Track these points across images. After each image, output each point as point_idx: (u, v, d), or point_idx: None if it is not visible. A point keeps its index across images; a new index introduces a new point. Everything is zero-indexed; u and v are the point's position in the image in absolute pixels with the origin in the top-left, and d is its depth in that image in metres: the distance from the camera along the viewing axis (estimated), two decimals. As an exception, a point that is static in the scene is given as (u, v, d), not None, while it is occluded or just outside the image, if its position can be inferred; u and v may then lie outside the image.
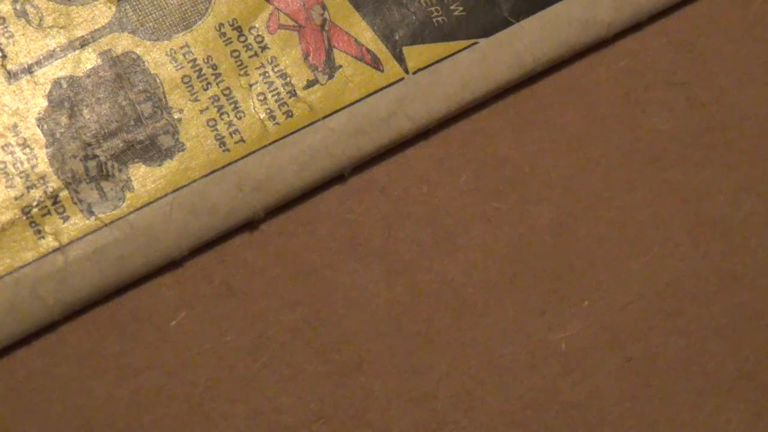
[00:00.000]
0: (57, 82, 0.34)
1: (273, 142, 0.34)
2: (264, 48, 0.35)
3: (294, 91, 0.35)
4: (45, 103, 0.34)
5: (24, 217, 0.33)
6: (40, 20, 0.34)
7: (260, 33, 0.35)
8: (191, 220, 0.34)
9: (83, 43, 0.34)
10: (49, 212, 0.33)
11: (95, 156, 0.34)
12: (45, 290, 0.33)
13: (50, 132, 0.34)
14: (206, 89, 0.34)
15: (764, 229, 0.36)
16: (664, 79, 0.36)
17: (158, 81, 0.34)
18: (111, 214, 0.33)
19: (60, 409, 0.33)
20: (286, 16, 0.35)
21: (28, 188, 0.33)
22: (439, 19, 0.35)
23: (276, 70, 0.35)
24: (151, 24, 0.35)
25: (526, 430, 0.34)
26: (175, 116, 0.34)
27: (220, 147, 0.34)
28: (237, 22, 0.35)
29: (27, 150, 0.34)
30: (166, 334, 0.34)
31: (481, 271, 0.35)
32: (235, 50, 0.35)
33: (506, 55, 0.36)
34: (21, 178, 0.33)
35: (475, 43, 0.35)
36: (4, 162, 0.33)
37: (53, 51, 0.34)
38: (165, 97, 0.34)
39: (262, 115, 0.34)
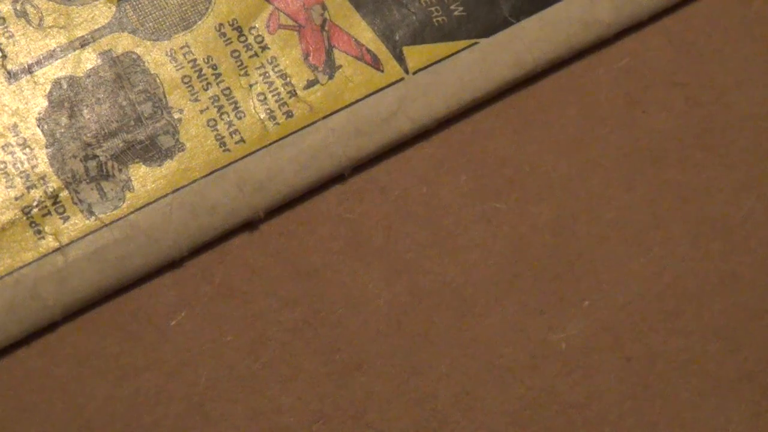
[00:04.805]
0: (57, 82, 0.34)
1: (273, 142, 0.34)
2: (264, 48, 0.35)
3: (294, 91, 0.35)
4: (45, 103, 0.34)
5: (24, 217, 0.33)
6: (40, 20, 0.34)
7: (260, 33, 0.35)
8: (191, 220, 0.34)
9: (83, 43, 0.34)
10: (49, 212, 0.33)
11: (95, 156, 0.34)
12: (45, 290, 0.33)
13: (50, 132, 0.34)
14: (206, 89, 0.34)
15: (764, 229, 0.36)
16: (664, 79, 0.36)
17: (158, 81, 0.34)
18: (111, 214, 0.33)
19: (60, 409, 0.33)
20: (286, 16, 0.35)
21: (28, 188, 0.33)
22: (439, 19, 0.35)
23: (276, 70, 0.35)
24: (151, 24, 0.35)
25: (526, 430, 0.34)
26: (175, 116, 0.34)
27: (221, 147, 0.34)
28: (237, 22, 0.35)
29: (27, 150, 0.34)
30: (166, 334, 0.34)
31: (481, 271, 0.35)
32: (235, 50, 0.35)
33: (506, 55, 0.36)
34: (21, 178, 0.33)
35: (475, 43, 0.35)
36: (4, 162, 0.33)
37: (53, 51, 0.34)
38: (165, 97, 0.34)
39: (262, 115, 0.34)
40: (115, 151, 0.34)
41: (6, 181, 0.33)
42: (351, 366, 0.34)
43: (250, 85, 0.35)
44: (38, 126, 0.34)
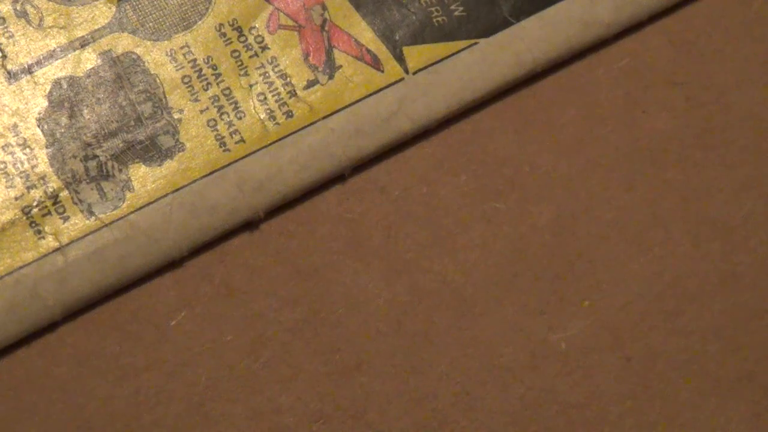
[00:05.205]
0: (57, 82, 0.34)
1: (273, 142, 0.34)
2: (264, 48, 0.35)
3: (294, 91, 0.35)
4: (45, 103, 0.34)
5: (24, 217, 0.33)
6: (40, 20, 0.34)
7: (260, 33, 0.35)
8: (191, 220, 0.34)
9: (83, 43, 0.34)
10: (49, 212, 0.33)
11: (95, 156, 0.34)
12: (45, 290, 0.33)
13: (50, 132, 0.34)
14: (206, 89, 0.34)
15: (764, 229, 0.36)
16: (664, 79, 0.36)
17: (158, 81, 0.34)
18: (111, 214, 0.33)
19: (60, 409, 0.33)
20: (286, 16, 0.35)
21: (29, 188, 0.33)
22: (439, 19, 0.35)
23: (276, 70, 0.35)
24: (151, 24, 0.35)
25: (526, 430, 0.34)
26: (175, 116, 0.34)
27: (220, 147, 0.34)
28: (237, 22, 0.35)
29: (27, 150, 0.34)
30: (166, 334, 0.34)
31: (481, 271, 0.35)
32: (235, 50, 0.35)
33: (506, 55, 0.36)
34: (21, 178, 0.33)
35: (475, 43, 0.35)
36: (4, 162, 0.33)
37: (53, 51, 0.34)
38: (165, 97, 0.34)
39: (262, 115, 0.34)
40: (115, 151, 0.34)
41: (6, 181, 0.33)
42: (351, 366, 0.34)
43: (250, 85, 0.35)
44: (38, 126, 0.34)
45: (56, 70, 0.34)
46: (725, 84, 0.37)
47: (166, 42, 0.35)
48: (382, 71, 0.35)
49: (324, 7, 0.35)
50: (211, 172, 0.34)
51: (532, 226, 0.35)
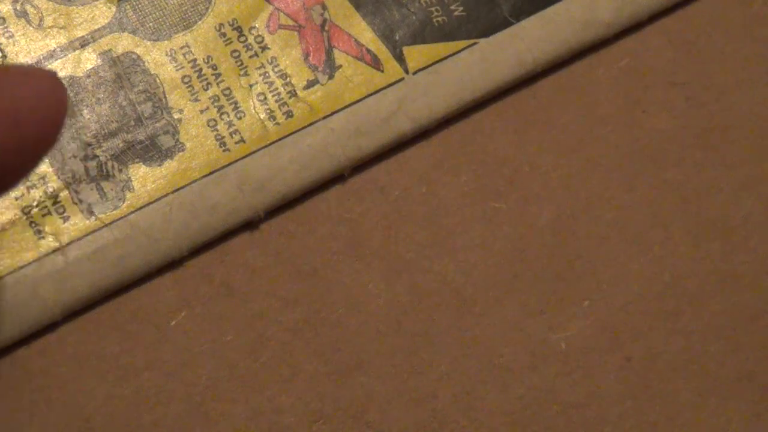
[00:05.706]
0: (57, 82, 0.34)
1: (273, 142, 0.34)
2: (264, 48, 0.35)
3: (294, 91, 0.35)
4: (45, 103, 0.34)
5: (24, 217, 0.33)
6: (40, 20, 0.34)
7: (260, 33, 0.35)
8: (191, 220, 0.34)
9: (83, 43, 0.34)
10: (49, 212, 0.33)
11: (95, 156, 0.34)
12: (45, 290, 0.33)
13: (50, 132, 0.34)
14: (206, 89, 0.34)
15: (764, 229, 0.36)
16: (664, 79, 0.36)
17: (158, 81, 0.34)
18: (111, 214, 0.33)
19: (60, 409, 0.33)
20: (286, 16, 0.35)
21: (29, 188, 0.33)
22: (439, 19, 0.35)
23: (276, 70, 0.35)
24: (151, 24, 0.35)
25: (526, 430, 0.34)
26: (175, 116, 0.34)
27: (221, 147, 0.34)
28: (237, 22, 0.35)
29: (27, 150, 0.34)
30: (166, 334, 0.34)
31: (481, 271, 0.35)
32: (235, 50, 0.35)
33: (506, 55, 0.36)
34: (21, 178, 0.33)
35: (475, 43, 0.35)
36: (4, 162, 0.33)
37: (53, 51, 0.34)
38: (165, 97, 0.34)
39: (262, 115, 0.34)
40: (115, 151, 0.34)
41: (6, 181, 0.33)
42: (351, 366, 0.34)
43: (250, 85, 0.35)
44: (38, 126, 0.34)
45: (56, 70, 0.34)
46: (725, 84, 0.37)
47: (166, 42, 0.35)
48: (382, 71, 0.35)
49: (324, 7, 0.35)
50: (211, 172, 0.34)
51: (532, 226, 0.35)
